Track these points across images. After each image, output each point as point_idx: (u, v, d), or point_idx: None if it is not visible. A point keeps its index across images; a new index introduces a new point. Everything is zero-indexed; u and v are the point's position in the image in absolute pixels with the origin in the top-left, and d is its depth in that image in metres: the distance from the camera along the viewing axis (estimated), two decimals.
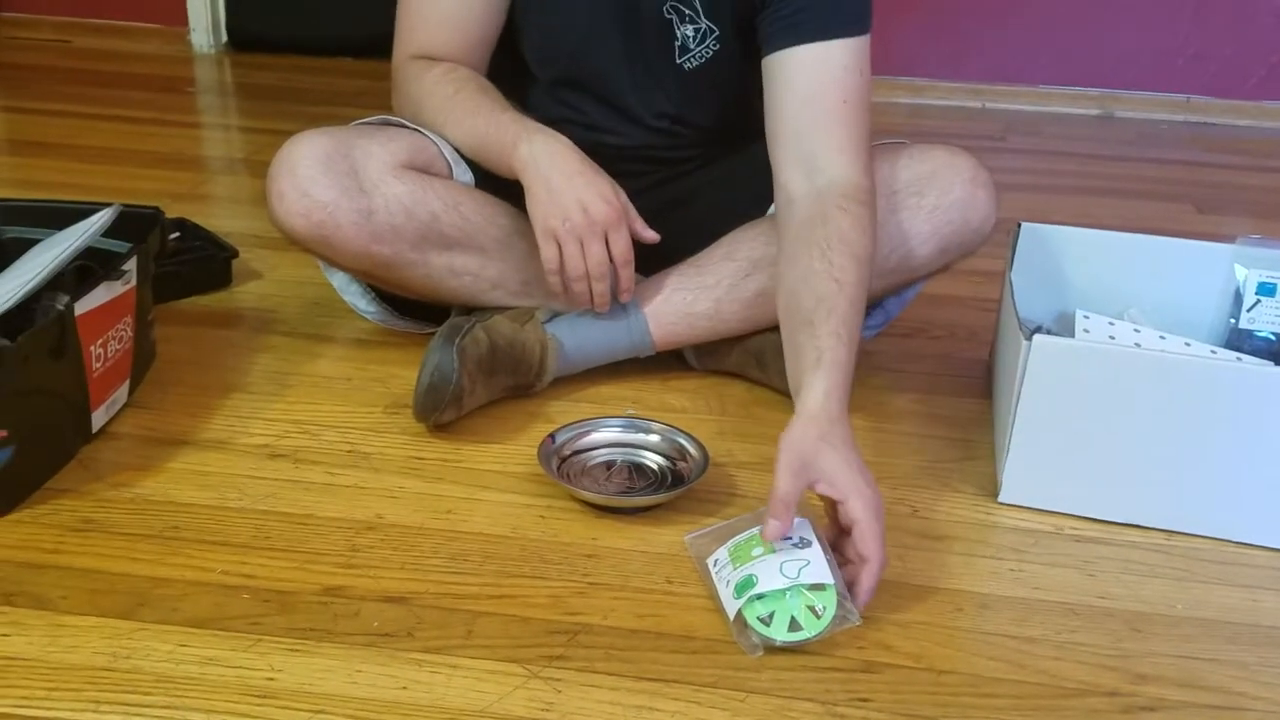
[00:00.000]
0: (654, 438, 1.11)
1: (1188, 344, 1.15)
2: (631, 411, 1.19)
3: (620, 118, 1.26)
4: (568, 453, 1.09)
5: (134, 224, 1.17)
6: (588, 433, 1.11)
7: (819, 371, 0.94)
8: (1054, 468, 1.04)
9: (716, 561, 0.90)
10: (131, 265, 1.10)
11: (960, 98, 2.64)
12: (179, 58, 2.72)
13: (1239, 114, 2.58)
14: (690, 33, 1.20)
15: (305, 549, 0.95)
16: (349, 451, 1.11)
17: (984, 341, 1.40)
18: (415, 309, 1.30)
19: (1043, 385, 1.00)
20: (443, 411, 1.11)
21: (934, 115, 2.56)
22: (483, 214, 1.20)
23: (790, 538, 0.88)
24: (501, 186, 1.20)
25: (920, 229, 1.16)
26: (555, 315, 1.23)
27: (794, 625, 0.84)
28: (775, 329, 1.21)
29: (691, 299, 1.22)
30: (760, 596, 0.85)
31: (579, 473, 1.07)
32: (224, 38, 2.79)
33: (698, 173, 1.32)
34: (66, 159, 1.97)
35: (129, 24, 2.78)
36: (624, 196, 1.14)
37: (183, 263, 1.42)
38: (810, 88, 1.10)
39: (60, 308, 0.99)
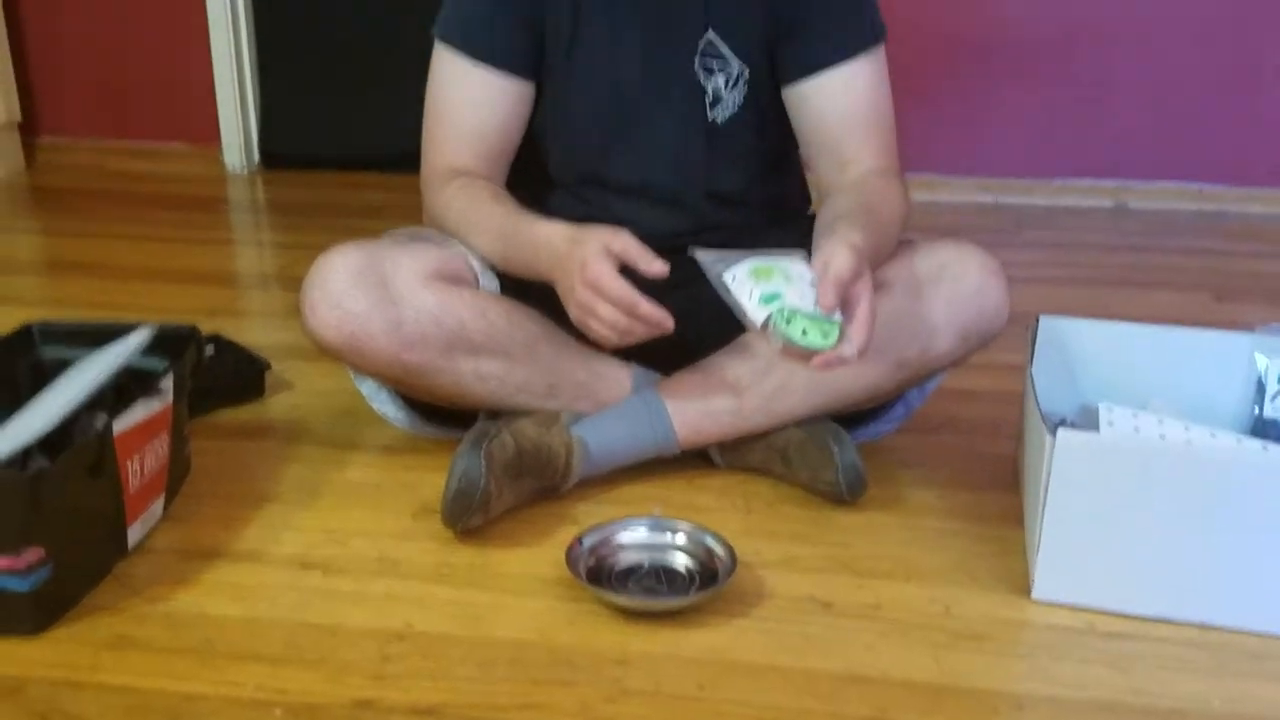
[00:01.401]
0: (681, 538, 1.12)
1: (1213, 434, 1.15)
2: (658, 512, 1.19)
3: (647, 207, 1.29)
4: (595, 556, 1.10)
5: (170, 342, 1.21)
6: (615, 535, 1.12)
7: (854, 231, 1.06)
8: (1086, 563, 1.03)
9: (735, 277, 1.02)
10: (168, 383, 1.13)
11: (972, 193, 2.68)
12: (212, 177, 2.81)
13: (1252, 201, 2.61)
14: (721, 82, 1.25)
15: (336, 660, 0.95)
16: (378, 559, 1.11)
17: (1009, 435, 1.40)
18: (443, 415, 1.32)
19: (1070, 480, 1.00)
20: (470, 516, 1.12)
21: (947, 211, 2.60)
22: (508, 320, 1.22)
23: (803, 276, 1.02)
24: (527, 292, 1.23)
25: (938, 319, 1.18)
26: (580, 417, 1.24)
27: (806, 334, 0.98)
28: (799, 424, 1.23)
29: (713, 396, 1.23)
30: (786, 309, 0.99)
31: (607, 576, 1.07)
32: (256, 157, 2.88)
33: None
34: (102, 278, 2.03)
35: (163, 145, 2.88)
36: (595, 249, 1.06)
37: (217, 377, 1.45)
38: (841, 110, 1.23)
39: (99, 427, 1.02)
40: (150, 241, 2.26)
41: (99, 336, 1.21)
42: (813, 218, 1.37)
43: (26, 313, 1.83)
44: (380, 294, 1.16)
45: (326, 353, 1.19)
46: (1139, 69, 2.56)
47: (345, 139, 2.81)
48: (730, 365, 1.24)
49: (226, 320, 1.79)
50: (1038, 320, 1.29)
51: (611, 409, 1.25)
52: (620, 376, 1.28)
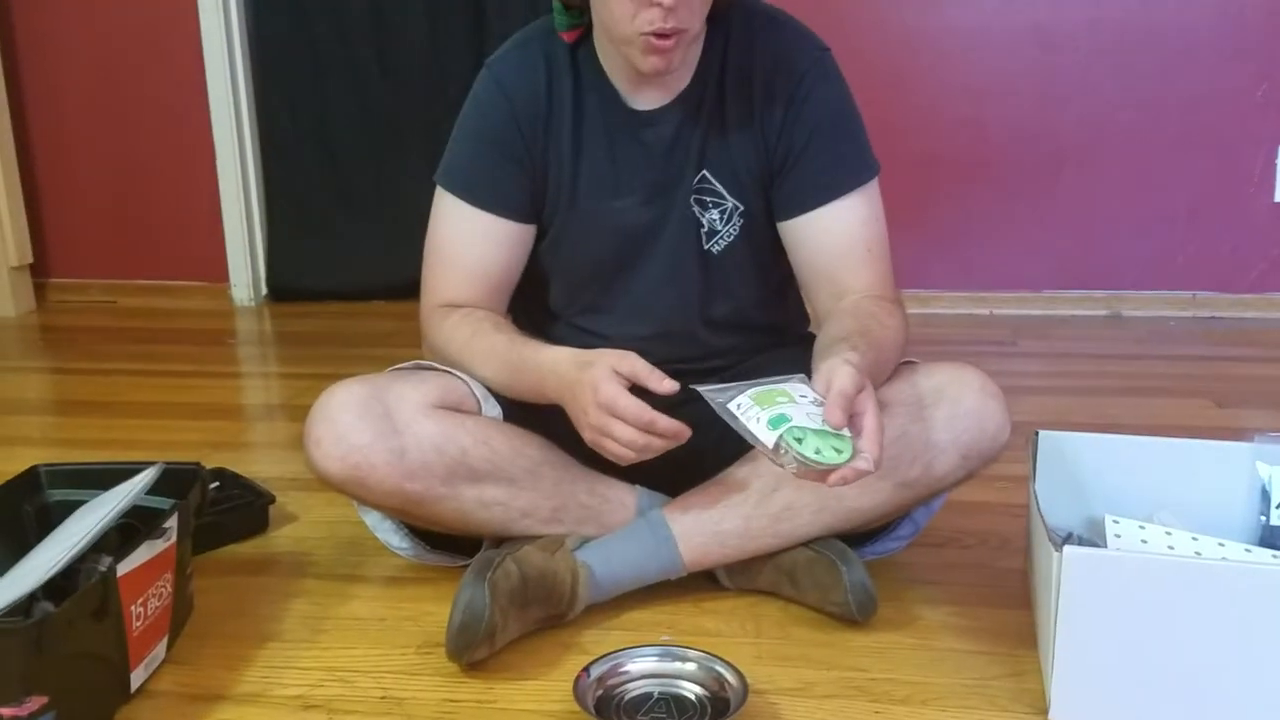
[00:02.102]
0: (691, 666, 1.10)
1: (1221, 544, 1.15)
2: (666, 639, 1.18)
3: (646, 336, 1.30)
4: (604, 686, 1.08)
5: (176, 480, 1.21)
6: (623, 664, 1.10)
7: (852, 352, 1.06)
8: (1102, 682, 1.01)
9: (740, 405, 1.02)
10: (172, 523, 1.13)
11: (967, 306, 2.72)
12: (221, 312, 2.86)
13: (1245, 307, 2.64)
14: (716, 216, 1.27)
15: None
16: (382, 698, 1.10)
17: (1018, 549, 1.39)
18: (447, 542, 1.31)
19: (1080, 597, 0.99)
20: (476, 649, 1.11)
21: (943, 324, 2.63)
22: (511, 446, 1.23)
23: (806, 396, 1.02)
24: (529, 418, 1.24)
25: (939, 439, 1.18)
26: (585, 541, 1.24)
27: (819, 453, 0.97)
28: (806, 544, 1.23)
29: (719, 517, 1.23)
30: (795, 429, 0.98)
31: (616, 707, 1.05)
32: (264, 290, 2.93)
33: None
34: (110, 416, 2.04)
35: (173, 283, 2.94)
36: (604, 372, 1.07)
37: (221, 512, 1.45)
38: (835, 244, 1.24)
39: (103, 569, 1.02)
40: (158, 377, 2.29)
41: (106, 478, 1.22)
42: (813, 336, 1.40)
43: (34, 453, 1.86)
44: (384, 425, 1.18)
45: (330, 486, 1.20)
46: (1128, 181, 2.63)
47: (349, 271, 2.87)
48: (735, 487, 1.24)
49: (231, 453, 1.80)
50: (1037, 435, 1.30)
51: (617, 533, 1.25)
52: (625, 499, 1.28)
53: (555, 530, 1.25)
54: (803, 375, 1.07)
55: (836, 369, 1.01)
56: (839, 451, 0.98)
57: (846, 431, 0.99)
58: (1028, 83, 2.60)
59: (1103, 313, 2.68)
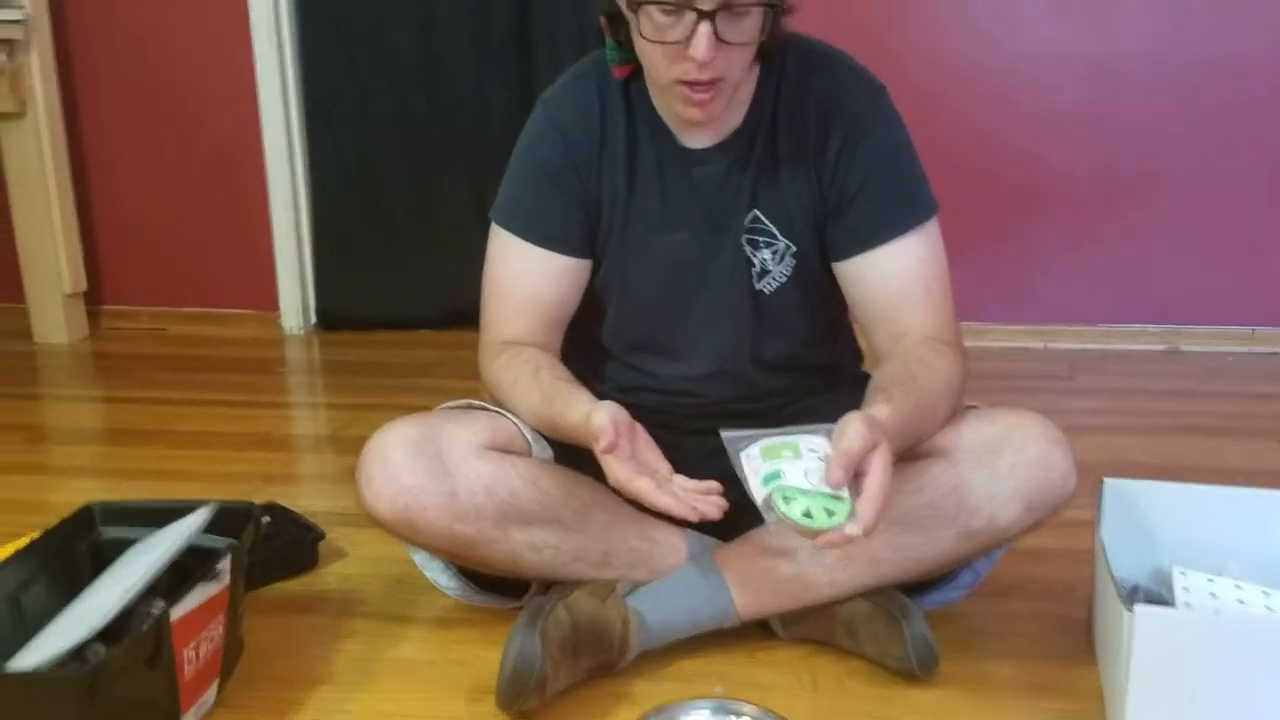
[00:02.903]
0: None
1: None
2: (720, 691, 1.15)
3: (696, 375, 1.29)
4: None
5: (229, 519, 1.21)
6: (676, 717, 1.08)
7: (884, 404, 1.06)
8: None
9: (749, 456, 1.01)
10: (225, 564, 1.13)
11: (1022, 339, 2.67)
12: (271, 340, 2.88)
13: None
14: (768, 256, 1.25)
15: None
16: None
17: (1081, 598, 1.35)
18: (495, 584, 1.30)
19: (1151, 658, 0.96)
20: (527, 699, 1.09)
21: (997, 357, 2.59)
22: (562, 488, 1.22)
23: (816, 451, 1.00)
24: (580, 459, 1.22)
25: (1002, 488, 1.15)
26: (636, 587, 1.22)
27: (808, 514, 0.95)
28: (865, 595, 1.20)
29: (774, 565, 1.21)
30: (784, 487, 0.97)
31: None
32: (313, 319, 2.95)
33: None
34: (162, 446, 2.06)
35: (223, 311, 2.96)
36: (603, 427, 1.05)
37: (272, 549, 1.45)
38: (893, 286, 1.21)
39: (156, 614, 1.01)
40: (210, 406, 2.30)
41: (159, 516, 1.22)
42: (867, 376, 1.37)
43: (86, 484, 1.89)
44: (435, 466, 1.17)
45: (381, 526, 1.20)
46: (1186, 213, 2.57)
47: (395, 301, 2.88)
48: (792, 537, 1.21)
49: (282, 487, 1.80)
50: (1103, 484, 1.26)
51: (668, 579, 1.23)
52: (676, 543, 1.26)
53: (605, 575, 1.23)
54: (830, 427, 1.04)
55: (849, 425, 0.99)
56: (830, 514, 0.95)
57: (845, 493, 0.96)
58: (1085, 114, 2.55)
59: (1160, 347, 2.62)
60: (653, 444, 1.09)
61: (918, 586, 1.25)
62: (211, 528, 1.19)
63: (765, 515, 0.98)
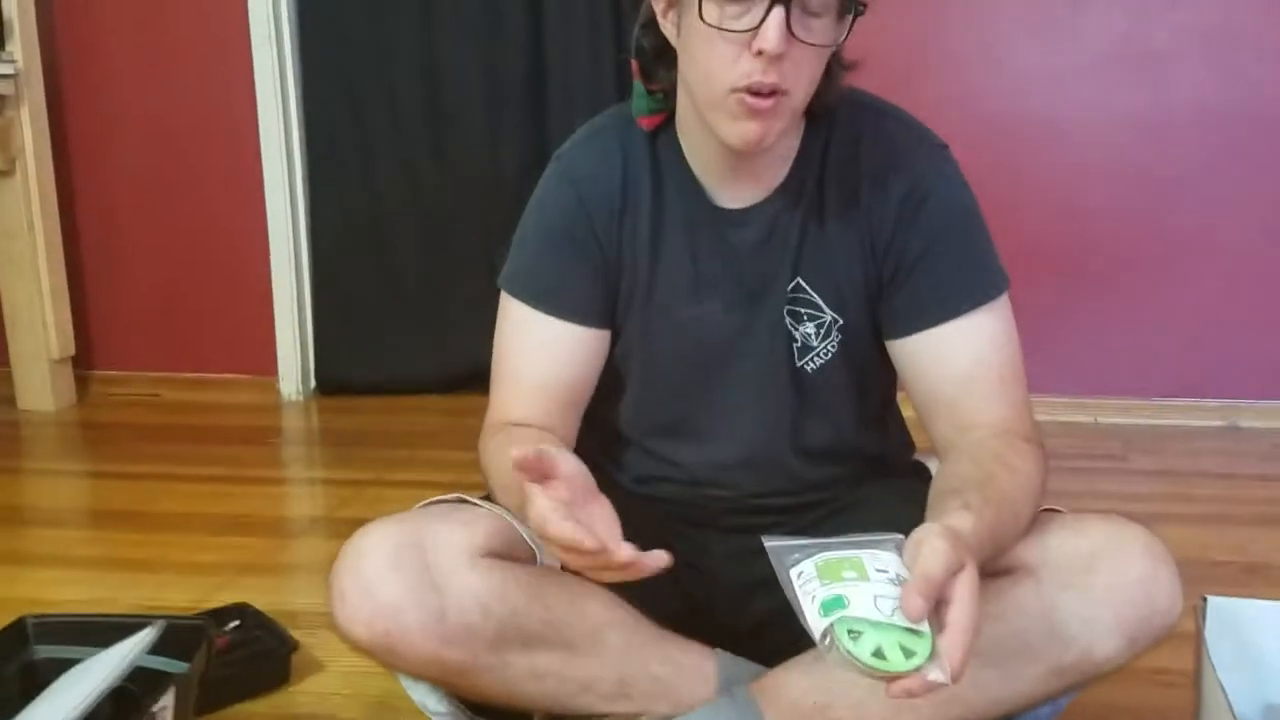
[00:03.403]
0: None
1: None
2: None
3: (729, 464, 1.13)
4: None
5: (181, 638, 1.05)
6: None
7: (964, 512, 0.87)
8: None
9: (801, 574, 0.82)
10: (168, 700, 0.96)
11: (1068, 412, 2.49)
12: (267, 407, 2.74)
13: None
14: (811, 330, 1.10)
15: None
16: None
17: None
18: (491, 710, 1.10)
19: None
20: None
21: (1044, 432, 2.41)
22: (570, 603, 1.04)
23: (886, 570, 0.81)
24: None
25: (1099, 615, 0.97)
26: None
27: (880, 654, 0.77)
28: None
29: (825, 703, 1.02)
30: (850, 619, 0.78)
31: None
32: (312, 384, 2.82)
33: (823, 524, 1.16)
34: (137, 529, 1.91)
35: (220, 376, 2.83)
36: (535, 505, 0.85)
37: (234, 662, 1.28)
38: (960, 370, 1.05)
39: None
40: (195, 482, 2.16)
41: (101, 633, 1.05)
42: (918, 466, 1.19)
43: (44, 575, 1.71)
44: (420, 579, 1.00)
45: (356, 650, 1.02)
46: (1242, 276, 2.42)
47: (398, 365, 2.75)
48: (849, 669, 1.02)
49: (261, 578, 1.65)
50: (1205, 602, 1.08)
51: (696, 714, 1.04)
52: (705, 668, 1.08)
53: (620, 708, 1.05)
54: (900, 539, 0.86)
55: (927, 540, 0.81)
56: (909, 654, 0.77)
57: (926, 627, 0.78)
58: (1131, 172, 2.41)
59: (1218, 423, 2.44)
60: (613, 519, 0.88)
61: None
62: (162, 645, 1.02)
63: (824, 653, 0.80)
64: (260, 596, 1.48)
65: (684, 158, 1.10)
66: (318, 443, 2.56)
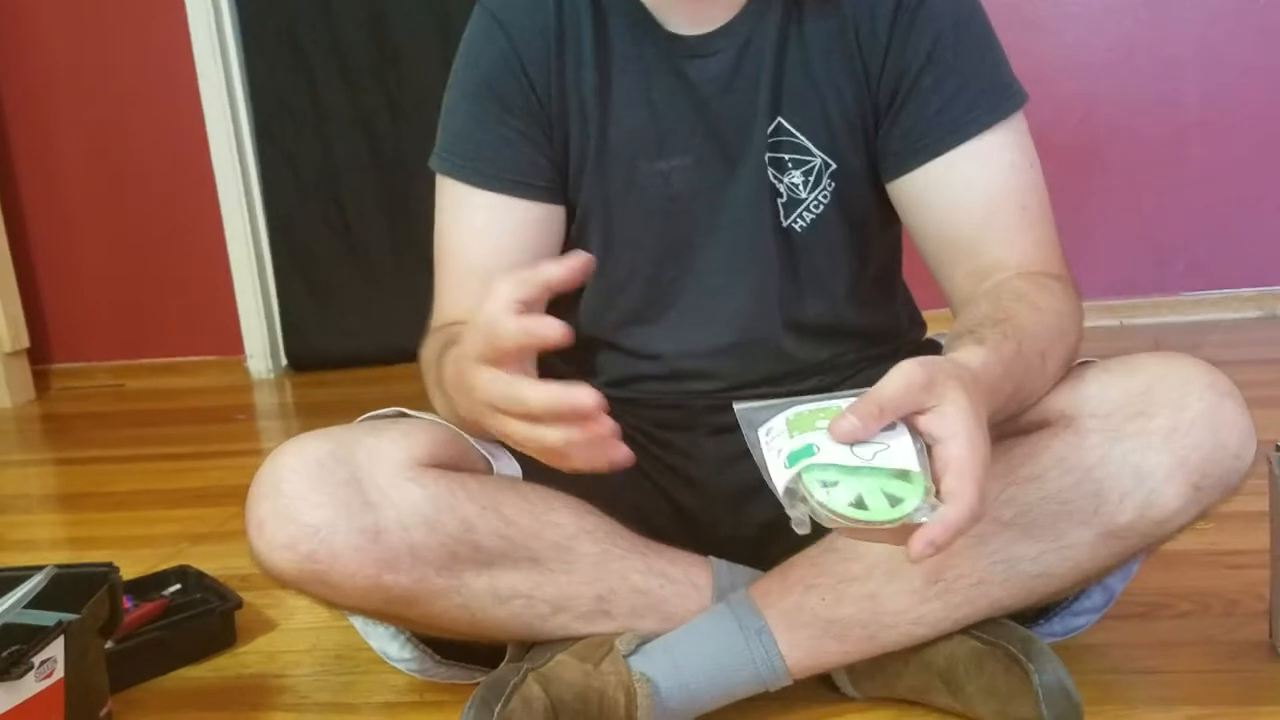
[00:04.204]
0: None
1: None
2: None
3: (710, 351, 0.97)
4: None
5: (81, 588, 0.89)
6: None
7: (978, 347, 0.74)
8: None
9: (770, 430, 0.69)
10: (55, 651, 0.79)
11: (1091, 316, 2.27)
12: (237, 386, 2.61)
13: None
14: (799, 179, 0.94)
15: None
16: None
17: (1252, 614, 1.01)
18: (462, 650, 0.97)
19: None
20: None
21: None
22: (532, 513, 0.88)
23: None
24: (563, 474, 0.89)
25: (1159, 461, 0.80)
26: (644, 641, 0.88)
27: (860, 504, 0.64)
28: (966, 631, 0.85)
29: (833, 599, 0.86)
30: (821, 466, 0.65)
31: None
32: (283, 361, 2.68)
33: None
34: (81, 510, 1.78)
35: (184, 359, 2.70)
36: (469, 354, 0.71)
37: (166, 626, 1.12)
38: (974, 203, 0.90)
39: None
40: (152, 461, 2.01)
41: None
42: (931, 344, 1.02)
43: None
44: (350, 494, 0.84)
45: (283, 585, 0.87)
46: (1267, 155, 2.24)
47: (371, 333, 2.61)
48: (851, 549, 0.86)
49: (213, 546, 1.50)
50: (1279, 452, 0.91)
51: (688, 628, 0.89)
52: (697, 576, 0.92)
53: (601, 628, 0.89)
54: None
55: (899, 366, 0.65)
56: (895, 502, 0.63)
57: (915, 466, 0.64)
58: (1138, 49, 2.25)
59: (1255, 314, 2.28)
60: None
61: (1028, 615, 0.90)
62: (57, 597, 0.86)
63: (791, 511, 0.66)
64: (212, 563, 1.33)
65: None
66: (291, 416, 2.42)
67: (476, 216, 0.97)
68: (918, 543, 0.62)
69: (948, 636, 0.85)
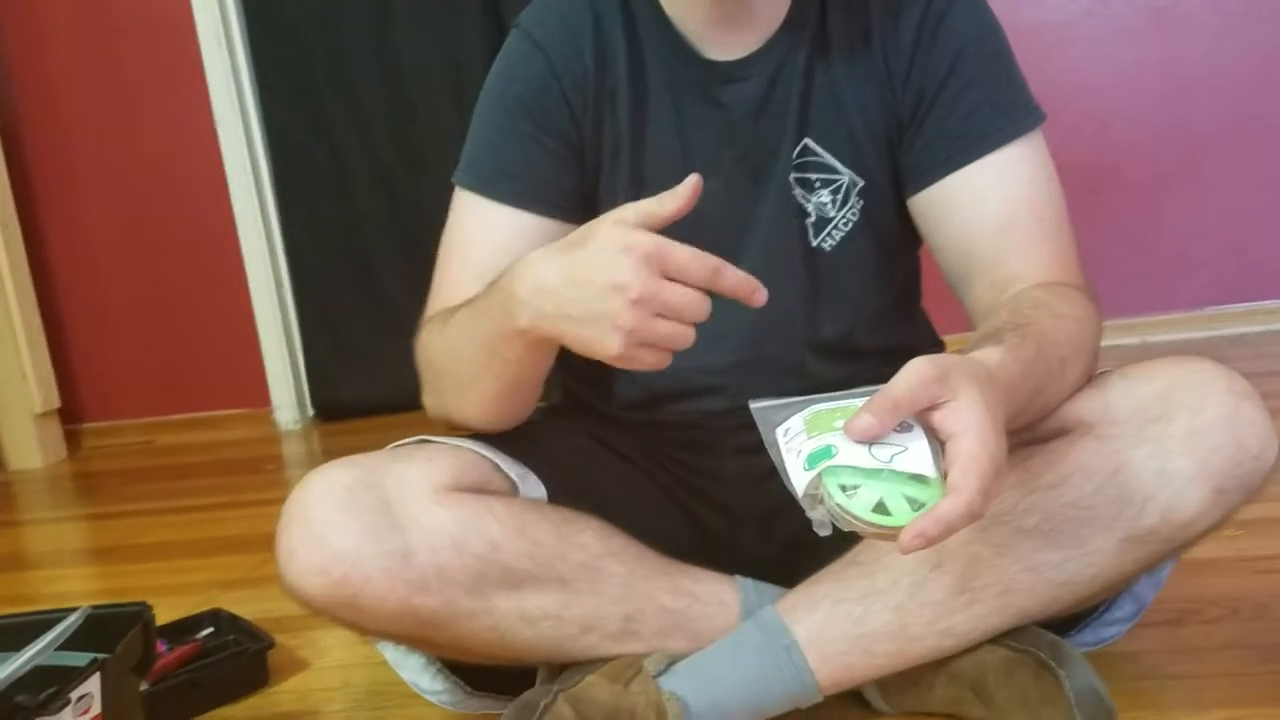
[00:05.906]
0: None
1: None
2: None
3: (729, 368, 0.97)
4: None
5: (115, 628, 0.90)
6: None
7: (995, 347, 0.75)
8: None
9: (788, 430, 0.70)
10: (92, 687, 0.80)
11: (1112, 335, 2.23)
12: (265, 438, 2.62)
13: None
14: (827, 199, 0.95)
15: None
16: None
17: None
18: (493, 680, 0.97)
19: None
20: None
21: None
22: (558, 534, 0.89)
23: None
24: (589, 497, 0.91)
25: (1181, 464, 0.80)
26: (673, 661, 0.88)
27: (882, 508, 0.64)
28: (994, 640, 0.84)
29: (861, 613, 0.86)
30: (840, 469, 0.65)
31: None
32: (309, 411, 2.69)
33: None
34: (113, 563, 1.78)
35: (211, 414, 2.72)
36: (614, 224, 0.76)
37: (200, 668, 1.12)
38: (992, 216, 0.91)
39: None
40: (183, 514, 2.02)
41: (21, 632, 0.90)
42: None
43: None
44: (379, 520, 0.85)
45: (315, 613, 0.88)
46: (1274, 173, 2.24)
47: (396, 380, 2.60)
48: (878, 563, 0.86)
49: (244, 591, 1.50)
50: None
51: (717, 647, 0.89)
52: (724, 595, 0.92)
53: (630, 648, 0.89)
54: None
55: (911, 363, 0.67)
56: (916, 506, 0.64)
57: (934, 473, 0.65)
58: (1150, 69, 2.25)
59: (1278, 326, 2.26)
60: None
61: (1058, 626, 0.89)
62: (91, 637, 0.88)
63: (811, 513, 0.66)
64: (244, 607, 1.33)
65: (662, 9, 0.96)
66: (318, 464, 2.42)
67: (494, 230, 0.97)
68: (908, 534, 0.62)
69: (976, 646, 0.85)
